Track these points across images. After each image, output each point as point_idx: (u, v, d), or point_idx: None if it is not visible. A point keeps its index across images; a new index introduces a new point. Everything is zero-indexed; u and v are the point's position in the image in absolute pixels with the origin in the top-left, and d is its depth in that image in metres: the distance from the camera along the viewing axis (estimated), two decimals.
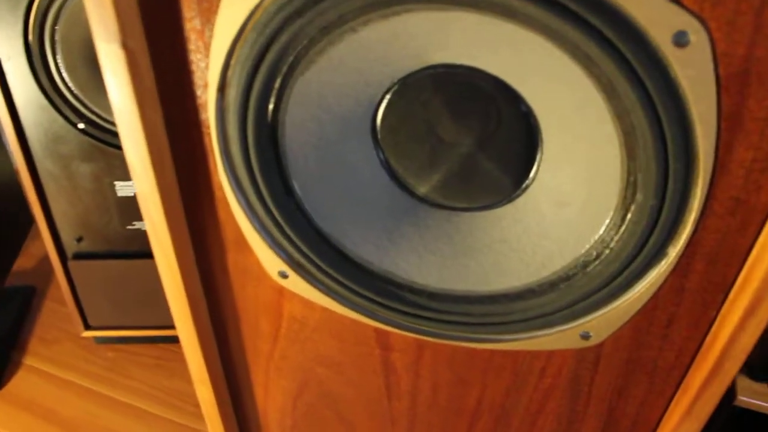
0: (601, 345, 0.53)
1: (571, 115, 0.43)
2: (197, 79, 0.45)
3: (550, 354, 0.54)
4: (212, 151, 0.48)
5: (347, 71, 0.44)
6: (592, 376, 0.55)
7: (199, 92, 0.46)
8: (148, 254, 1.11)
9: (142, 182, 0.48)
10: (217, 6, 0.41)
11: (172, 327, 1.20)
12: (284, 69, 0.43)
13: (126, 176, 1.01)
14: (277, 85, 0.44)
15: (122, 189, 1.03)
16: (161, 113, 0.47)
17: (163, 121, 0.47)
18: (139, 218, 1.06)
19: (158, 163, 0.48)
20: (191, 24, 0.43)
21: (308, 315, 0.57)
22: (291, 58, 0.43)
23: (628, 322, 0.50)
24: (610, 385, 0.55)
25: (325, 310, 0.56)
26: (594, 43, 0.37)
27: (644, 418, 0.57)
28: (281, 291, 0.56)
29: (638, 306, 0.49)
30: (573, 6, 0.36)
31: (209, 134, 0.47)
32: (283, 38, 0.41)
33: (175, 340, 1.22)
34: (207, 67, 0.44)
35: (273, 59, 0.42)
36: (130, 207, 1.05)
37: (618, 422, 0.58)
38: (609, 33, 0.37)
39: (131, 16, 0.42)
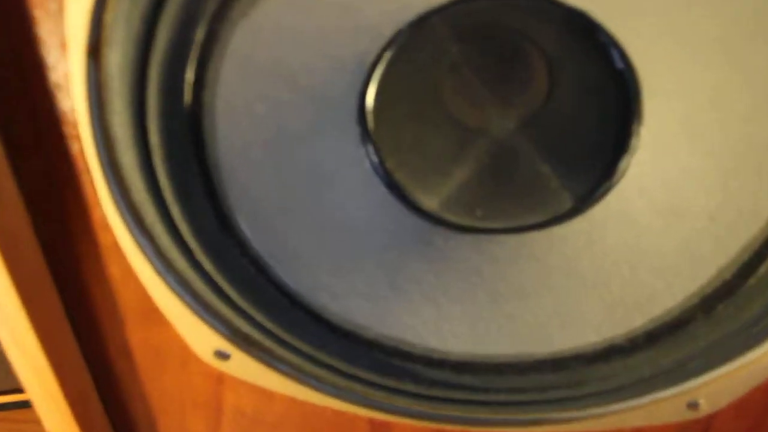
0: (714, 415, 0.36)
1: (714, 65, 0.25)
2: (46, 35, 0.24)
3: None
4: (86, 166, 0.28)
5: (324, 7, 0.25)
6: None
7: (50, 60, 0.25)
8: None
9: None
10: None
11: (13, 391, 0.95)
12: (211, 7, 0.23)
13: None
14: (199, 37, 0.24)
15: None
16: None
17: None
18: None
19: None
20: None
21: (264, 408, 0.38)
22: None
23: (765, 382, 0.33)
24: None
25: (292, 400, 0.37)
26: None
27: None
28: (220, 378, 0.37)
29: None
30: None
31: (78, 137, 0.27)
32: None
33: (22, 405, 0.97)
34: (60, 8, 0.24)
35: None
36: None
37: None
38: None
39: None
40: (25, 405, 0.89)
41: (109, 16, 0.24)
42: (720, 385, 0.34)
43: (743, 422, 0.36)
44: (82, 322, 0.36)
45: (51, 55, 0.25)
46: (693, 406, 0.35)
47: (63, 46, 0.25)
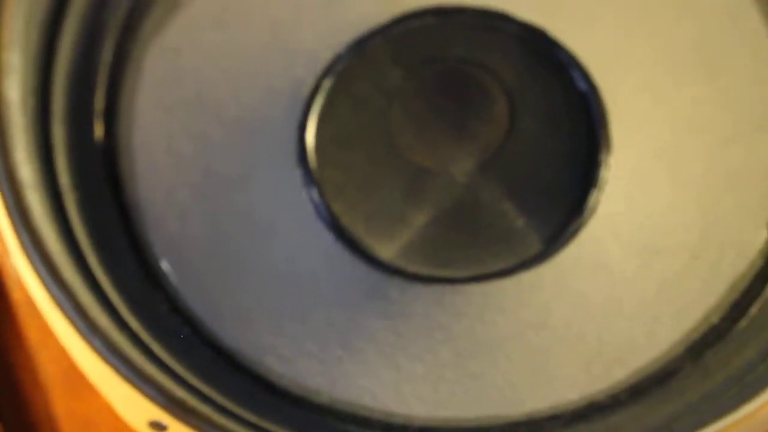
0: None
1: (686, 82, 0.23)
2: None
3: None
4: None
5: (251, 26, 0.23)
6: None
7: None
8: None
9: None
10: None
11: None
12: (118, 19, 0.21)
13: None
14: (106, 57, 0.21)
15: None
16: None
17: None
18: None
19: None
20: None
21: None
22: None
23: None
24: None
25: None
26: None
27: None
28: None
29: None
30: None
31: None
32: None
33: None
34: None
35: None
36: None
37: None
38: None
39: None
40: None
41: (4, 36, 0.21)
42: None
43: None
44: (6, 395, 0.33)
45: None
46: None
47: None
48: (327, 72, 0.25)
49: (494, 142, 0.28)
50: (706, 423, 0.30)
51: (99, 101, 0.23)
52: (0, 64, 0.22)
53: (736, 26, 0.22)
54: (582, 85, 0.26)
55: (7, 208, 0.25)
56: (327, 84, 0.26)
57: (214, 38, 0.23)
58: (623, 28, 0.23)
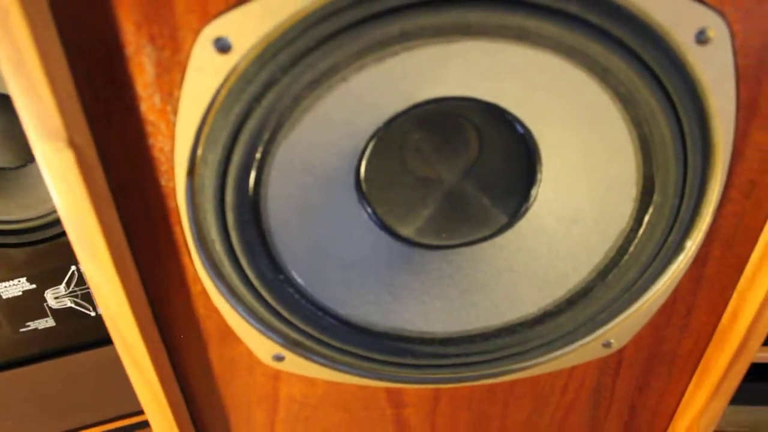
0: (622, 350, 0.51)
1: (579, 130, 0.40)
2: (160, 165, 0.38)
3: (572, 370, 0.52)
4: (185, 243, 0.42)
5: (333, 126, 0.39)
6: (613, 381, 0.53)
7: (163, 181, 0.39)
8: (51, 354, 0.98)
9: (108, 300, 0.41)
10: (182, 76, 0.35)
11: (99, 423, 1.07)
12: (266, 136, 0.37)
13: (8, 275, 0.89)
14: (258, 155, 0.38)
15: (6, 290, 0.90)
16: (116, 212, 0.40)
17: (119, 220, 0.40)
18: (32, 318, 0.94)
19: (123, 272, 0.40)
20: (149, 103, 0.36)
21: (310, 393, 0.52)
22: (274, 123, 0.37)
23: (648, 321, 0.49)
24: (630, 386, 0.54)
25: (328, 383, 0.51)
26: (614, 54, 0.35)
27: (663, 408, 0.56)
28: (277, 375, 0.50)
29: (659, 304, 0.48)
30: (593, 19, 0.34)
31: (180, 223, 0.41)
32: (266, 102, 0.36)
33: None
34: (172, 149, 0.38)
35: (254, 127, 0.37)
36: (20, 307, 0.92)
37: (638, 417, 0.57)
38: (631, 42, 0.34)
39: (73, 107, 0.35)
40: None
41: (200, 151, 0.38)
42: (622, 328, 0.49)
43: (642, 353, 0.52)
44: (176, 351, 0.49)
45: (163, 177, 0.39)
46: (607, 345, 0.50)
47: (171, 170, 0.39)
48: (371, 138, 0.42)
49: (471, 162, 0.45)
50: (613, 317, 0.48)
51: (252, 178, 0.39)
52: (197, 163, 0.38)
53: (598, 109, 0.38)
54: (521, 129, 0.43)
55: (194, 238, 0.41)
56: (371, 144, 0.43)
57: (313, 135, 0.39)
58: (546, 103, 0.40)
